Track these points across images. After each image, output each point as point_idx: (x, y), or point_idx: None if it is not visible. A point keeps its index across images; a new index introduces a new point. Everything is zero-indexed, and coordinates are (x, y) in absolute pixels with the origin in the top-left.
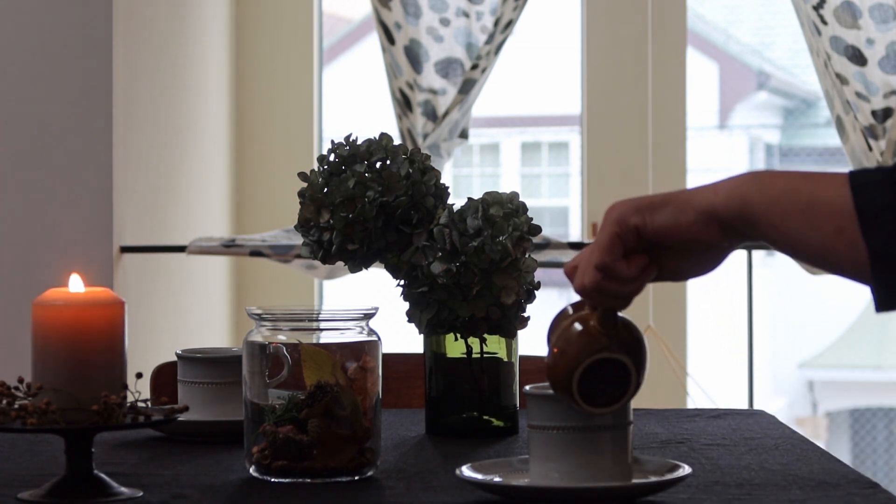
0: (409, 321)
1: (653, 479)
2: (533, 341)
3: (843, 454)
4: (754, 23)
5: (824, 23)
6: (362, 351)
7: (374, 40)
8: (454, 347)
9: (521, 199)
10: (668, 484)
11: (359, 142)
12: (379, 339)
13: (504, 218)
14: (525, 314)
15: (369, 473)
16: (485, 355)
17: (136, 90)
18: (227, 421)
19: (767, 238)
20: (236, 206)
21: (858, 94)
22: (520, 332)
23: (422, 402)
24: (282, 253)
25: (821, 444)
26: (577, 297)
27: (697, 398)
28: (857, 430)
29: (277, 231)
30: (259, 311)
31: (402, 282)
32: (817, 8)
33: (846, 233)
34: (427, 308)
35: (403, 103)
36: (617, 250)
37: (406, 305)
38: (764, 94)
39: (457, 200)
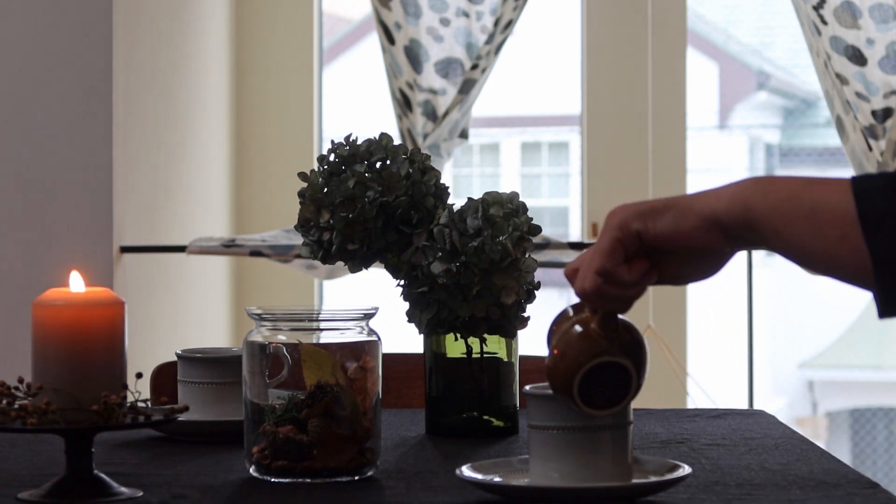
0: (409, 321)
1: (653, 479)
2: (533, 341)
3: (843, 454)
4: (754, 23)
5: (824, 23)
6: (362, 351)
7: (374, 40)
8: (454, 347)
9: (521, 199)
10: (668, 484)
11: (359, 142)
12: (379, 339)
13: (504, 218)
14: (525, 314)
15: (369, 473)
16: (485, 355)
17: (136, 90)
18: (227, 421)
19: (770, 244)
20: (236, 206)
21: (858, 94)
22: (520, 332)
23: (422, 402)
24: (282, 253)
25: (821, 444)
26: (577, 298)
27: (697, 398)
28: (857, 430)
29: (277, 231)
30: (259, 311)
31: (402, 282)
32: (817, 8)
33: (849, 239)
34: (427, 308)
35: (403, 103)
36: (618, 255)
37: (406, 305)
38: (764, 94)
39: (457, 200)
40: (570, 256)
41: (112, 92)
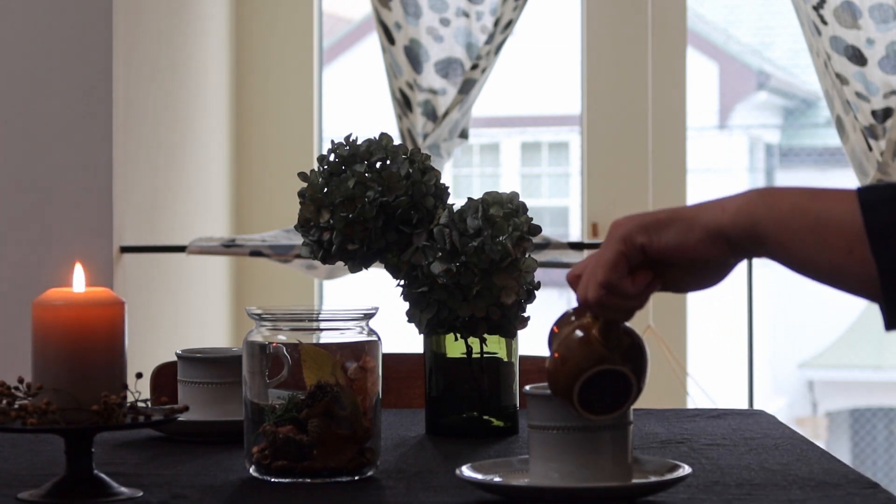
0: (409, 321)
1: (653, 479)
2: (533, 341)
3: (843, 454)
4: (754, 23)
5: (824, 23)
6: (362, 351)
7: (374, 40)
8: (454, 347)
9: (521, 199)
10: (668, 484)
11: (359, 142)
12: (379, 339)
13: (504, 218)
14: (525, 314)
15: (369, 473)
16: (485, 355)
17: (136, 90)
18: (227, 421)
19: (775, 256)
20: (236, 206)
21: (858, 94)
22: (520, 332)
23: (422, 402)
24: (282, 253)
25: (821, 444)
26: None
27: (697, 398)
28: (857, 430)
29: (277, 231)
30: (259, 311)
31: (402, 282)
32: (817, 8)
33: (856, 252)
34: (427, 308)
35: (403, 103)
36: (622, 268)
37: (406, 305)
38: (764, 94)
39: (457, 200)
40: (570, 256)
41: (112, 92)
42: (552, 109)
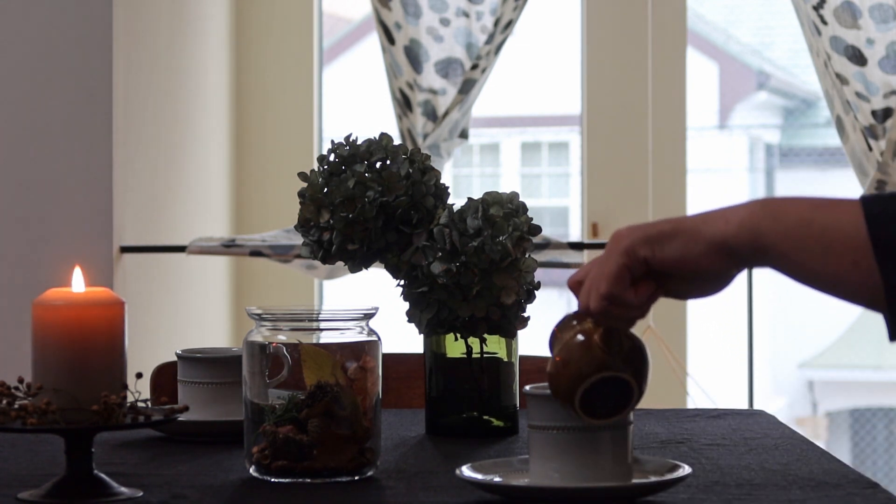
0: (409, 321)
1: (653, 479)
2: (533, 341)
3: (843, 454)
4: (754, 23)
5: (824, 23)
6: (362, 351)
7: (374, 40)
8: (454, 347)
9: (521, 199)
10: (668, 484)
11: (359, 142)
12: (379, 339)
13: (504, 218)
14: (525, 314)
15: (369, 473)
16: (485, 355)
17: (136, 90)
18: (227, 421)
19: (780, 268)
20: (236, 206)
21: (858, 94)
22: (520, 332)
23: (422, 402)
24: (282, 253)
25: (821, 444)
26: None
27: (697, 398)
28: (857, 430)
29: (277, 231)
30: (259, 311)
31: (402, 282)
32: (817, 8)
33: (861, 265)
34: (427, 308)
35: (403, 103)
36: (625, 281)
37: (406, 305)
38: (764, 94)
39: (457, 200)
40: (570, 256)
41: (112, 92)
42: (552, 109)
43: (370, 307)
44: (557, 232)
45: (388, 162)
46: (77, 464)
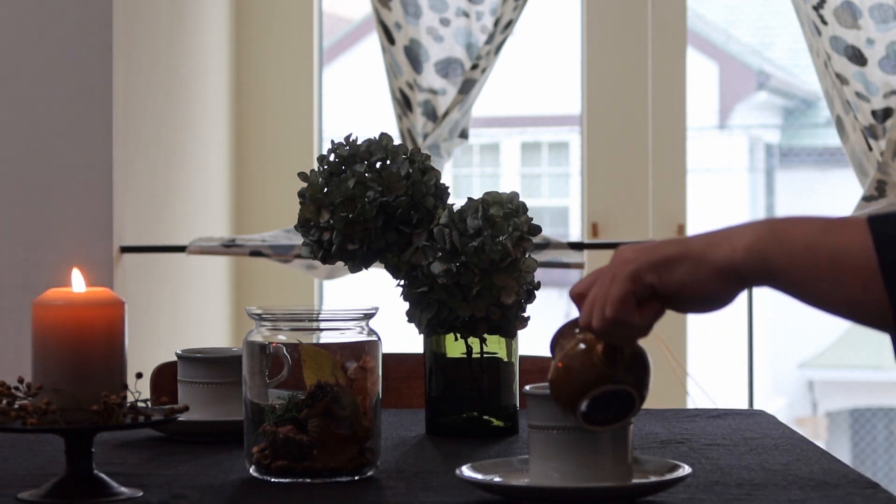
0: (409, 321)
1: (653, 479)
2: (533, 341)
3: (843, 454)
4: (754, 23)
5: (824, 23)
6: (362, 351)
7: (374, 40)
8: (454, 347)
9: (521, 199)
10: (668, 484)
11: (359, 142)
12: (379, 339)
13: (504, 218)
14: (525, 314)
15: (369, 473)
16: (485, 355)
17: (136, 90)
18: (227, 421)
19: (788, 292)
20: (236, 206)
21: (858, 94)
22: (520, 332)
23: (422, 402)
24: (282, 253)
25: (821, 444)
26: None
27: (697, 398)
28: (857, 430)
29: (277, 231)
30: (259, 311)
31: (402, 282)
32: (817, 8)
33: (871, 288)
34: (427, 308)
35: (403, 103)
36: (631, 306)
37: (406, 305)
38: (764, 94)
39: (457, 200)
40: (570, 256)
41: (112, 92)
42: (552, 109)
43: (370, 307)
44: (557, 232)
45: (388, 162)
46: (77, 464)
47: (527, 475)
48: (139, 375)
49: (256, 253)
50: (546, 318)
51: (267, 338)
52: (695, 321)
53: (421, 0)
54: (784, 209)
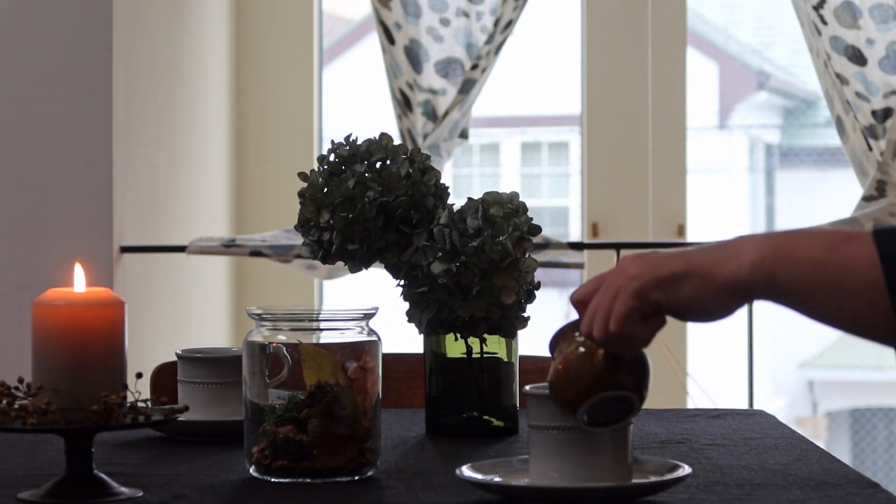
0: (409, 321)
1: (653, 479)
2: (533, 341)
3: (843, 454)
4: (754, 23)
5: (824, 23)
6: (362, 351)
7: (374, 40)
8: (454, 347)
9: (521, 199)
10: (668, 484)
11: (359, 142)
12: (379, 339)
13: (504, 218)
14: (525, 314)
15: (369, 473)
16: (485, 355)
17: (136, 90)
18: (227, 421)
19: (795, 308)
20: (236, 206)
21: (858, 94)
22: (520, 332)
23: (422, 402)
24: (282, 253)
25: (821, 444)
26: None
27: (697, 398)
28: (857, 430)
29: (277, 231)
30: (259, 311)
31: (402, 282)
32: (817, 8)
33: (878, 304)
34: (427, 308)
35: (403, 103)
36: (635, 321)
37: (406, 305)
38: (764, 94)
39: (457, 200)
40: (570, 256)
41: (112, 92)
42: (552, 109)
43: (370, 307)
44: (557, 232)
45: (388, 162)
46: (77, 464)
47: (527, 475)
48: (139, 375)
49: (256, 253)
50: (546, 318)
51: (267, 338)
52: None
53: (421, 0)
54: (784, 209)
